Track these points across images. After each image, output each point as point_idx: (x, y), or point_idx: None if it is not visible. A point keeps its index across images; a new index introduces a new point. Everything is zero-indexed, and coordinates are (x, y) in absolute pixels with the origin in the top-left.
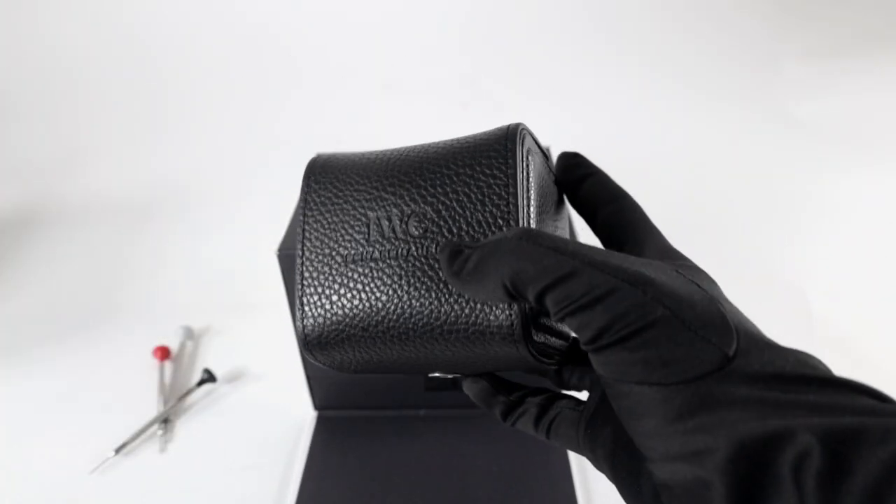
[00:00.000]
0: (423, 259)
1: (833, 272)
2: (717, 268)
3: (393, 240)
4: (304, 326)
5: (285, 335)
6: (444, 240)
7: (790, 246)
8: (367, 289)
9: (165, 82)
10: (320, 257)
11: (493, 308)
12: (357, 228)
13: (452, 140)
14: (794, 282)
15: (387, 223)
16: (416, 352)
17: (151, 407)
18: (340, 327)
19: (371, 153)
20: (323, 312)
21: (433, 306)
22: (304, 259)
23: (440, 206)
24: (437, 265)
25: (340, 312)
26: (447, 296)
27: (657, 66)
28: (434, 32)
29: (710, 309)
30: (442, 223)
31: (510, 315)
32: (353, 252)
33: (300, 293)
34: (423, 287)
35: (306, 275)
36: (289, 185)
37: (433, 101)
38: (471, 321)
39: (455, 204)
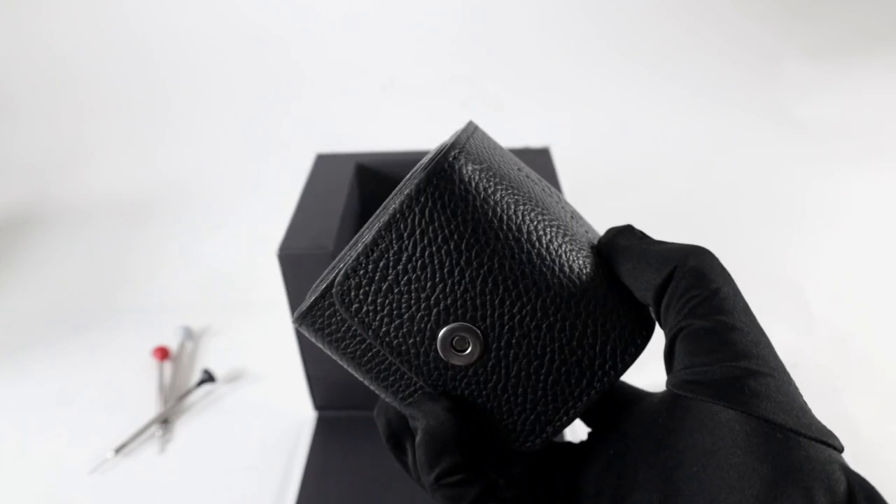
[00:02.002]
0: (581, 230)
1: (833, 272)
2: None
3: (553, 201)
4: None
5: (285, 335)
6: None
7: (790, 245)
8: (526, 191)
9: (164, 82)
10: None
11: (630, 297)
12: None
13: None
14: (795, 281)
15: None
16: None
17: (151, 407)
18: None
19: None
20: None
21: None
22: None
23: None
24: (587, 239)
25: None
26: (595, 258)
27: (657, 65)
28: (433, 32)
29: None
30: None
31: (645, 314)
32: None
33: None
34: (580, 236)
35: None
36: (289, 185)
37: (432, 100)
38: (602, 282)
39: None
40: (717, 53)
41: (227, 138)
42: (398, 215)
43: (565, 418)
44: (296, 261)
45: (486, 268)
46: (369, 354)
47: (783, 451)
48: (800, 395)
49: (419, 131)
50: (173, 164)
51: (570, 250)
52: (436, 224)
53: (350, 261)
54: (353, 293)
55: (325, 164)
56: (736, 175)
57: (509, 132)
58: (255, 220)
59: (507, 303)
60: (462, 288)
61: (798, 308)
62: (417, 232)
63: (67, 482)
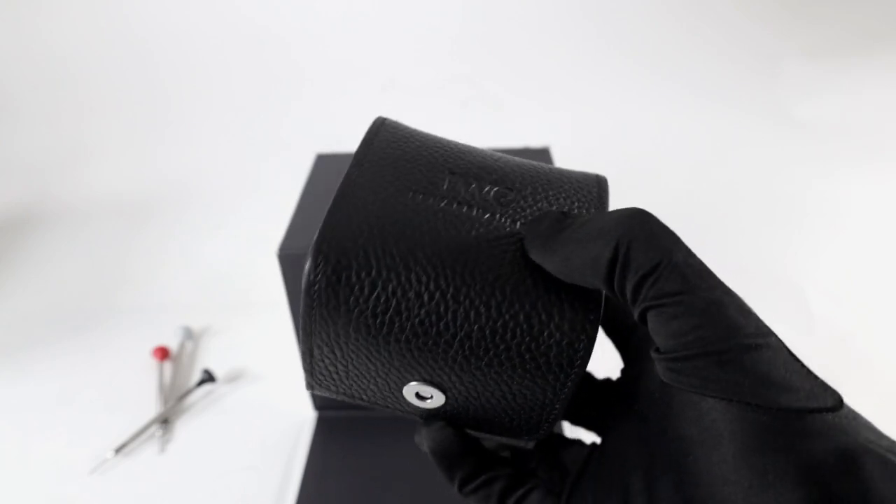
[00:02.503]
0: (502, 225)
1: (833, 271)
2: (718, 267)
3: (471, 200)
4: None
5: (285, 335)
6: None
7: (790, 245)
8: (424, 231)
9: (164, 82)
10: (378, 175)
11: (567, 302)
12: (429, 175)
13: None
14: (795, 281)
15: (464, 184)
16: (427, 366)
17: (151, 407)
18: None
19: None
20: (364, 226)
21: (491, 297)
22: (361, 169)
23: (528, 195)
24: (513, 238)
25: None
26: (522, 267)
27: (657, 65)
28: (433, 32)
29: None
30: (530, 206)
31: (585, 313)
32: (421, 185)
33: (341, 192)
34: (495, 251)
35: (360, 181)
36: (289, 185)
37: (432, 100)
38: (533, 307)
39: (542, 200)
40: (717, 53)
41: (227, 138)
42: (302, 332)
43: (553, 415)
44: (296, 261)
45: (392, 350)
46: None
47: (769, 437)
48: (786, 356)
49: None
50: (173, 164)
51: (477, 289)
52: (331, 335)
53: (303, 363)
54: (320, 382)
55: (325, 164)
56: (736, 175)
57: (509, 132)
58: (255, 220)
59: (435, 365)
60: (388, 364)
61: (798, 308)
62: (324, 340)
63: (67, 482)
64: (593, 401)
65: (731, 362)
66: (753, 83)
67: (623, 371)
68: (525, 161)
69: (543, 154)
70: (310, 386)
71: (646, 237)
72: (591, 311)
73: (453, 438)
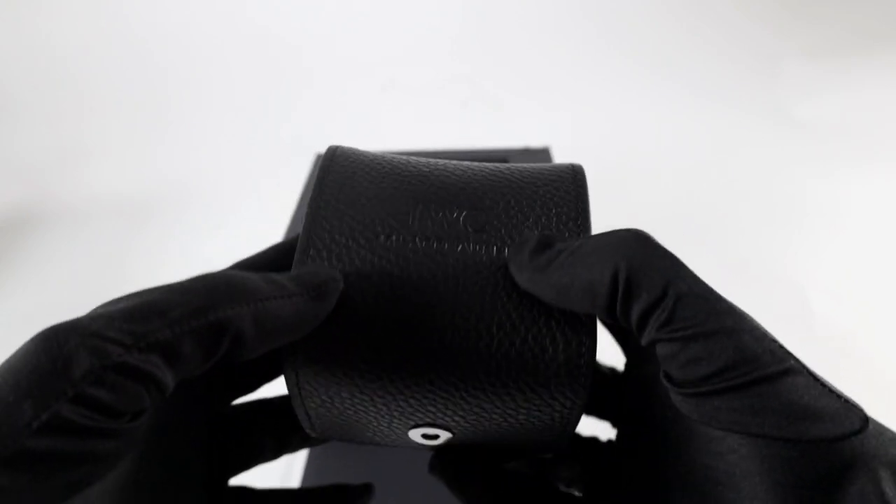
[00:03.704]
0: (479, 255)
1: (834, 271)
2: (718, 267)
3: (440, 233)
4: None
5: None
6: (509, 240)
7: (790, 245)
8: (400, 271)
9: (164, 82)
10: (340, 221)
11: (558, 330)
12: (395, 209)
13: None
14: (795, 281)
15: (433, 214)
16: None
17: None
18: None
19: (397, 160)
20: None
21: (481, 316)
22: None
23: (500, 213)
24: (492, 267)
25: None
26: (505, 300)
27: (657, 65)
28: (433, 32)
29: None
30: (504, 224)
31: (579, 340)
32: (388, 225)
33: (305, 244)
34: (475, 288)
35: (323, 224)
36: (289, 185)
37: (432, 100)
38: (524, 341)
39: (517, 215)
40: (717, 53)
41: (228, 138)
42: (292, 399)
43: (566, 433)
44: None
45: (389, 404)
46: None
47: (800, 471)
48: (808, 378)
49: (419, 131)
50: (173, 164)
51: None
52: (322, 395)
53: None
54: (323, 434)
55: None
56: (736, 175)
57: (509, 132)
58: (255, 220)
59: (435, 410)
60: (385, 413)
61: (799, 307)
62: (319, 403)
63: None
64: (600, 401)
65: (754, 397)
66: (753, 83)
67: (627, 366)
68: (493, 168)
69: (543, 154)
70: (312, 430)
71: (647, 262)
72: (587, 334)
73: (468, 475)
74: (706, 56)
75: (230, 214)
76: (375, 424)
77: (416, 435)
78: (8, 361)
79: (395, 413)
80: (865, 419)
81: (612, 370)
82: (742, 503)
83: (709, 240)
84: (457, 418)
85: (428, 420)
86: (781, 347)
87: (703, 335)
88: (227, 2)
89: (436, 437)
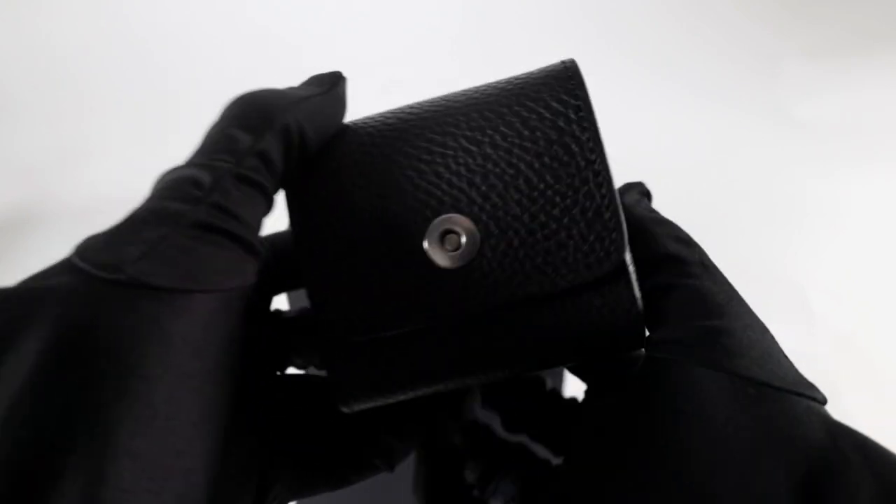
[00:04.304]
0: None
1: (834, 271)
2: (718, 267)
3: None
4: None
5: None
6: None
7: (790, 245)
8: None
9: (165, 82)
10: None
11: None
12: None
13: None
14: (795, 281)
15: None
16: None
17: None
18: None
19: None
20: None
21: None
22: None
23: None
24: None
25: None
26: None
27: (656, 65)
28: (433, 32)
29: None
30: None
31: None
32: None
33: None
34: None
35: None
36: None
37: None
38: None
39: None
40: (717, 53)
41: None
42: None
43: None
44: None
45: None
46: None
47: (758, 408)
48: (778, 350)
49: None
50: (173, 164)
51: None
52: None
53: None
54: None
55: None
56: (736, 175)
57: None
58: None
59: (452, 177)
60: (398, 201)
61: (799, 308)
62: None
63: None
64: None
65: (731, 340)
66: (753, 83)
67: (586, 394)
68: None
69: None
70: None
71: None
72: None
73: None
74: (706, 56)
75: None
76: (386, 220)
77: (433, 238)
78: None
79: (410, 197)
80: (822, 398)
81: (573, 399)
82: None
83: (709, 240)
84: (481, 194)
85: (448, 201)
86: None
87: (686, 287)
88: (227, 2)
89: (458, 244)
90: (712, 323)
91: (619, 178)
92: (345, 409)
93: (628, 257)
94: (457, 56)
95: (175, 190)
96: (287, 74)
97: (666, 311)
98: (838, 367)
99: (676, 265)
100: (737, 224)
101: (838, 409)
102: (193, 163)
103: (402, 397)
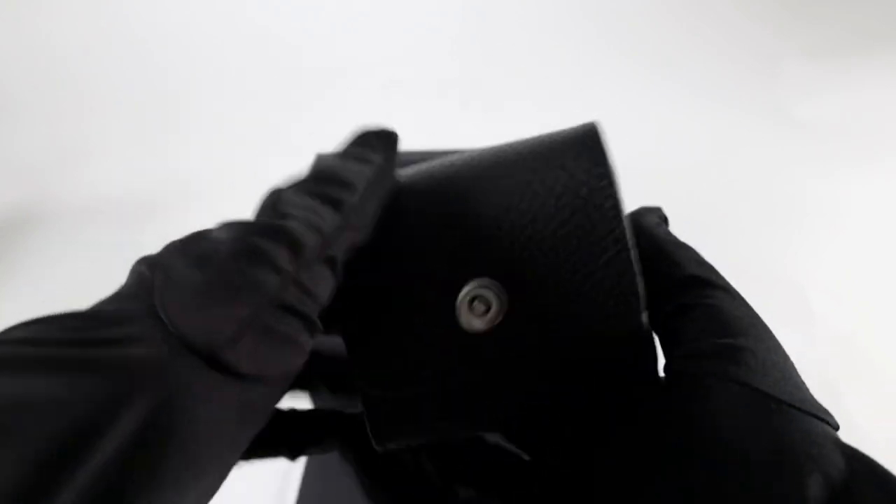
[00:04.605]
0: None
1: (834, 272)
2: (718, 267)
3: None
4: None
5: None
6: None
7: (790, 245)
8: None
9: (165, 82)
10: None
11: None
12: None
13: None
14: (795, 281)
15: None
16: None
17: None
18: None
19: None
20: None
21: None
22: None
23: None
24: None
25: None
26: None
27: (656, 65)
28: (433, 32)
29: None
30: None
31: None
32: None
33: None
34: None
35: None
36: None
37: (432, 100)
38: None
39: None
40: (717, 53)
41: (227, 138)
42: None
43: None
44: None
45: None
46: None
47: (778, 424)
48: (797, 375)
49: (419, 131)
50: (174, 164)
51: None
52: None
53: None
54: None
55: None
56: (736, 175)
57: (509, 132)
58: None
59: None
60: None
61: (799, 308)
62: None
63: None
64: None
65: (753, 358)
66: (753, 83)
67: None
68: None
69: None
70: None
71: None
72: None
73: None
74: (706, 56)
75: (229, 214)
76: (420, 292)
77: (465, 300)
78: None
79: (443, 265)
80: (836, 425)
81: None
82: None
83: (709, 240)
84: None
85: (476, 266)
86: None
87: (708, 307)
88: (227, 2)
89: (486, 308)
90: (737, 341)
91: (620, 179)
92: (378, 448)
93: (644, 318)
94: (457, 56)
95: (269, 243)
96: (287, 75)
97: (690, 329)
98: (838, 367)
99: (700, 286)
100: (737, 224)
101: (838, 409)
102: (291, 209)
103: (433, 440)
